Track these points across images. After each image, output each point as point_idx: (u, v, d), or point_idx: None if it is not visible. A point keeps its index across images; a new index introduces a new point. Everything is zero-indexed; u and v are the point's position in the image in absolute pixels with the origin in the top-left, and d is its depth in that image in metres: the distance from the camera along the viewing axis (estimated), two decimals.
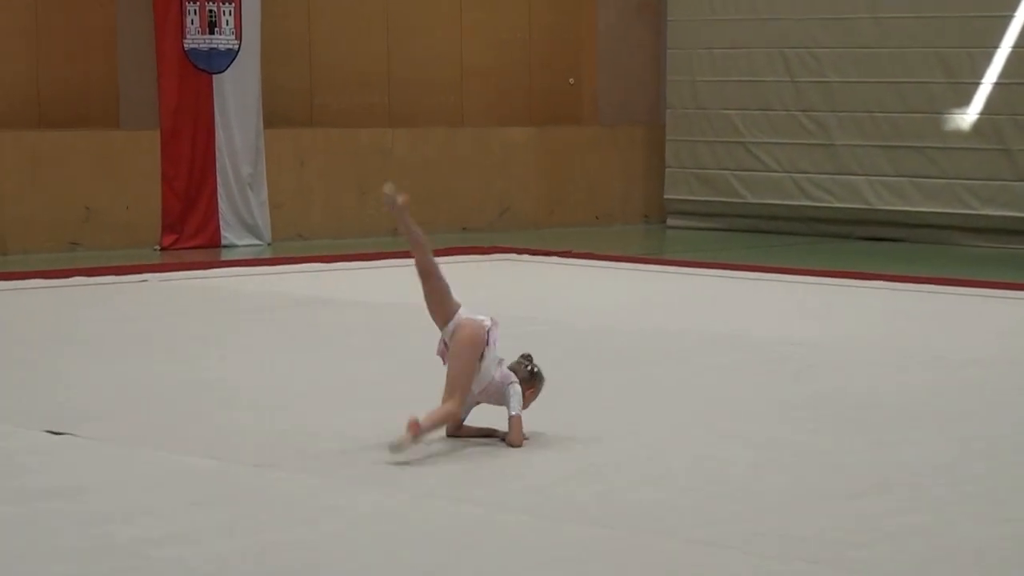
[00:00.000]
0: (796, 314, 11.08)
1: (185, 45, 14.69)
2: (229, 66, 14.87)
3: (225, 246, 14.84)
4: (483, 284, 12.89)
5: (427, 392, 7.72)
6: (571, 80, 18.09)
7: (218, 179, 14.86)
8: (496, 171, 16.86)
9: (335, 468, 6.33)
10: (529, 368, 6.92)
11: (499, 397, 6.83)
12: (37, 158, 14.13)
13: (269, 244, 15.08)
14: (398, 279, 12.56)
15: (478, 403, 6.90)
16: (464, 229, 16.53)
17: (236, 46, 14.93)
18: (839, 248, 15.38)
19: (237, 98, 14.91)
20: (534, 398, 6.92)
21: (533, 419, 6.91)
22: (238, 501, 5.83)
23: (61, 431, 6.83)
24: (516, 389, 6.81)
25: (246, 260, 13.95)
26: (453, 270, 13.83)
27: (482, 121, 17.38)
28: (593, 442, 6.84)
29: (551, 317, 10.62)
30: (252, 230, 15.09)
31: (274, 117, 15.40)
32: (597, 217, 17.63)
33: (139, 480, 6.14)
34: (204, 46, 14.79)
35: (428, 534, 5.44)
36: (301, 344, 9.52)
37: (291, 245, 15.02)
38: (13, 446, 6.64)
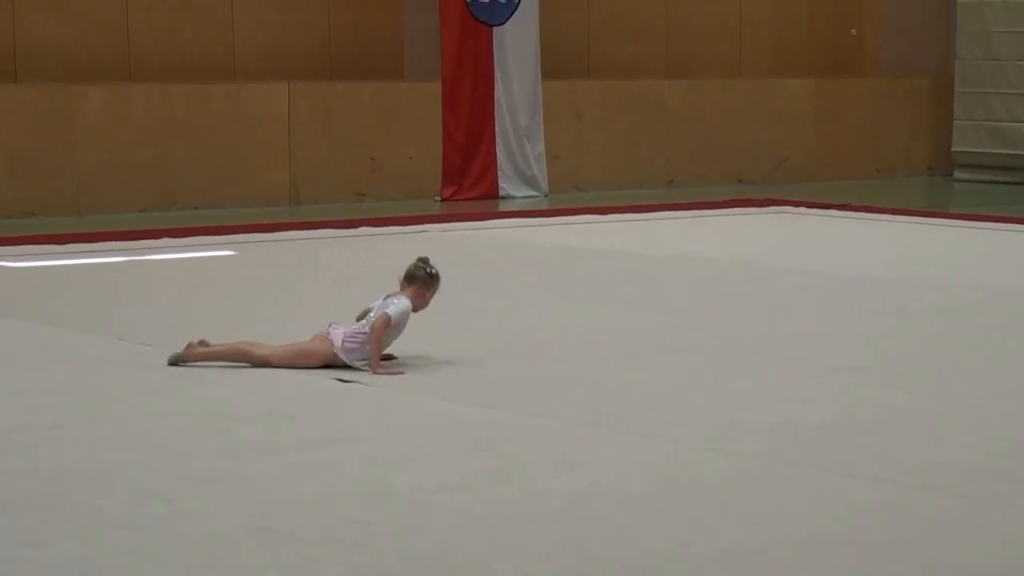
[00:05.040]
0: None
1: None
2: (509, 18, 15.04)
3: (502, 197, 15.06)
4: (758, 236, 12.80)
5: (708, 342, 7.75)
6: (854, 31, 17.76)
7: (496, 131, 15.07)
8: (773, 123, 16.69)
9: (602, 420, 6.42)
10: (427, 270, 7.31)
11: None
12: (327, 109, 14.54)
13: (546, 195, 15.25)
14: (673, 231, 12.57)
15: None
16: (740, 181, 16.43)
17: None
18: None
19: (516, 50, 15.09)
20: (431, 297, 7.32)
21: (814, 367, 6.83)
22: (510, 449, 5.97)
23: (349, 380, 7.08)
24: (390, 303, 7.21)
25: (523, 211, 14.12)
26: (727, 222, 13.84)
27: (760, 72, 17.22)
28: (861, 391, 6.78)
29: (827, 270, 10.50)
30: (529, 181, 15.27)
31: (551, 68, 15.53)
32: (877, 170, 17.32)
33: (417, 428, 6.33)
34: None
35: (695, 484, 5.49)
36: (576, 295, 9.63)
37: (567, 197, 15.14)
38: (298, 395, 6.91)
